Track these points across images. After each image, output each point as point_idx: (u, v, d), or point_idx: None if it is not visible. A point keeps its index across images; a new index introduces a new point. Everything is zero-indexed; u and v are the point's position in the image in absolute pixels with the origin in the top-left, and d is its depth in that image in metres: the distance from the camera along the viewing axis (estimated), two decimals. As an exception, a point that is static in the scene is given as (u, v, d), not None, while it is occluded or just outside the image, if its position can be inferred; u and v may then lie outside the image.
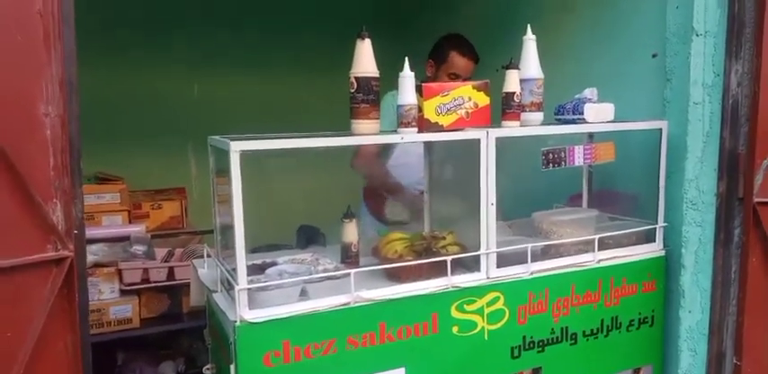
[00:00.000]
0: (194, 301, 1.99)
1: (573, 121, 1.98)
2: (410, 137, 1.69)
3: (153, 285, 2.45)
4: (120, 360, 2.65)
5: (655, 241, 2.05)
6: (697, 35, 1.94)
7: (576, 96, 2.04)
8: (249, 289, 1.50)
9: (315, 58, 3.72)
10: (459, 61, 2.50)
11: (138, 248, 2.52)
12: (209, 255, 1.89)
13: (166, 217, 2.97)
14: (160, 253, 2.58)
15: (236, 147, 1.43)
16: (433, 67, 2.55)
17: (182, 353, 2.71)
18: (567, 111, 2.01)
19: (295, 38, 3.75)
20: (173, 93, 3.58)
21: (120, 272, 2.41)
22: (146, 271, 2.44)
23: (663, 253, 2.06)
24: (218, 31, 3.59)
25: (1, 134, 1.04)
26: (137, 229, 2.66)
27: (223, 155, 1.54)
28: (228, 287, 1.63)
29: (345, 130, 1.71)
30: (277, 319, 1.51)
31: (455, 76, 2.49)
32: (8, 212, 1.09)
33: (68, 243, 1.14)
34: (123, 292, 2.42)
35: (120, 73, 3.36)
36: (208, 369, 1.90)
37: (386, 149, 2.51)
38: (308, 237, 2.23)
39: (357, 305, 1.61)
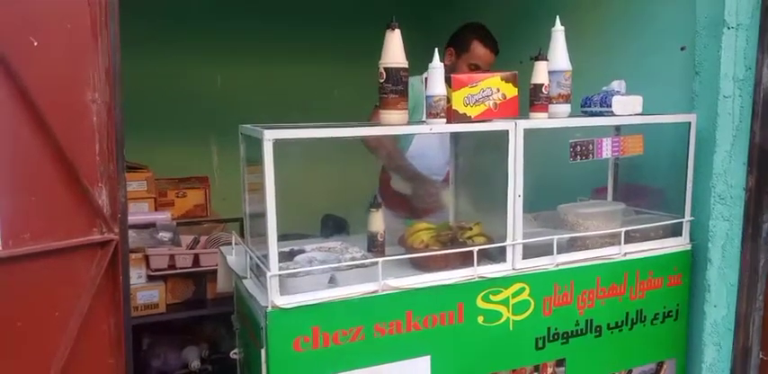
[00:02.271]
0: (221, 287, 2.02)
1: (600, 114, 1.97)
2: (439, 127, 1.70)
3: (179, 271, 2.48)
4: (145, 344, 2.69)
5: (681, 235, 2.04)
6: (728, 28, 1.92)
7: (604, 88, 2.03)
8: (280, 275, 1.52)
9: (337, 49, 3.74)
10: (480, 51, 2.45)
11: (165, 235, 2.56)
12: (236, 243, 1.92)
13: (191, 205, 3.01)
14: (185, 240, 2.62)
15: (270, 136, 1.45)
16: (453, 56, 2.49)
17: (205, 339, 2.75)
18: (594, 104, 2.01)
19: (318, 29, 3.76)
20: (196, 83, 3.61)
21: (147, 258, 2.45)
22: (172, 257, 2.48)
23: (689, 247, 2.05)
24: (241, 21, 3.61)
25: (51, 119, 1.07)
26: (163, 216, 2.70)
27: (254, 143, 1.56)
28: (258, 273, 1.66)
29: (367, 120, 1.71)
30: (307, 305, 1.54)
31: (474, 67, 2.44)
32: (57, 196, 1.12)
33: (114, 226, 1.17)
34: (150, 278, 2.45)
35: (144, 63, 3.38)
36: (235, 353, 1.93)
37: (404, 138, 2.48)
38: (333, 226, 2.24)
39: (385, 293, 1.63)
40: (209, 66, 3.65)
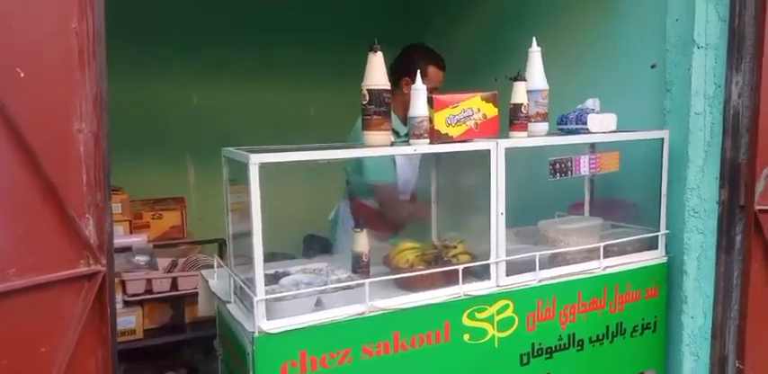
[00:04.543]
0: (203, 312, 1.98)
1: (576, 131, 2.01)
2: (422, 148, 1.72)
3: (156, 296, 2.43)
4: (121, 371, 2.62)
5: (657, 248, 2.09)
6: (698, 47, 1.99)
7: (579, 106, 2.08)
8: (267, 299, 1.50)
9: (314, 68, 3.74)
10: (436, 74, 2.40)
11: (141, 258, 2.51)
12: (219, 265, 1.89)
13: (167, 226, 2.96)
14: (162, 263, 2.57)
15: (256, 160, 1.44)
16: (410, 85, 2.42)
17: (183, 364, 2.69)
18: (570, 121, 2.05)
19: (295, 48, 3.76)
20: (170, 103, 3.57)
21: (123, 283, 2.39)
22: (149, 281, 2.43)
23: (665, 259, 2.10)
24: (217, 41, 3.58)
25: (38, 149, 1.04)
26: (138, 239, 2.65)
27: (237, 166, 1.55)
28: (243, 297, 1.64)
29: (343, 140, 1.71)
30: (294, 329, 1.52)
31: (434, 90, 2.29)
32: (44, 229, 1.08)
33: (101, 257, 1.14)
34: (127, 303, 2.40)
35: (117, 83, 3.33)
36: (219, 379, 1.89)
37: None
38: (316, 246, 2.23)
39: (372, 314, 1.62)
40: (185, 85, 3.61)
